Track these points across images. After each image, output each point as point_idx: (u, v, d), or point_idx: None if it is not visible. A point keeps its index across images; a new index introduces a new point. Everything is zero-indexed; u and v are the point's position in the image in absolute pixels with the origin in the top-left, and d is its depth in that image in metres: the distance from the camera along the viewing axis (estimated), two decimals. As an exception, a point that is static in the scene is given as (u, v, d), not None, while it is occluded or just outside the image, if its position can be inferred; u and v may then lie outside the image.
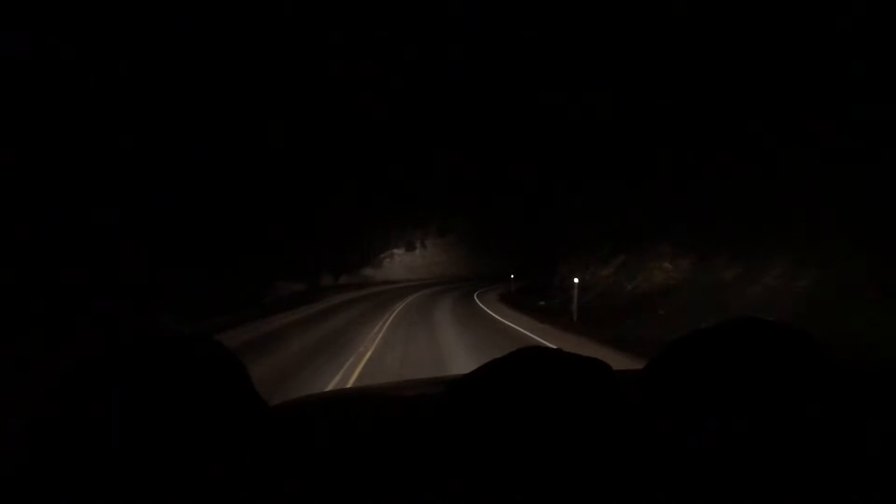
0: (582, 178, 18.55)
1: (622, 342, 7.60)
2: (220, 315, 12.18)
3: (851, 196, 7.45)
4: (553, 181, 24.86)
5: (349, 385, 5.19)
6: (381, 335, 8.65)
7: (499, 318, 11.41)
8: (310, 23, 18.66)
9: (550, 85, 17.69)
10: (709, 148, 10.38)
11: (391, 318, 11.22)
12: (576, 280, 9.24)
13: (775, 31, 8.87)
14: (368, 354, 6.98)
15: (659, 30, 11.12)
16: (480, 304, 14.87)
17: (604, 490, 0.42)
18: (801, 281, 7.79)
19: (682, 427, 0.45)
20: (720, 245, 9.45)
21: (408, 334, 8.67)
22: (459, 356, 6.78)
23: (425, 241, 38.02)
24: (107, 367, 0.47)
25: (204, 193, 17.99)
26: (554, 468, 0.43)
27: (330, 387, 5.16)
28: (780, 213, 8.52)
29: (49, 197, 9.67)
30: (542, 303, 15.66)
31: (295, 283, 27.81)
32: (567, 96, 16.64)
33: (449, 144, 35.67)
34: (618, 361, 4.06)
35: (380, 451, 0.53)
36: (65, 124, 10.09)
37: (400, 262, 36.88)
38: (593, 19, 14.00)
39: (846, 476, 0.41)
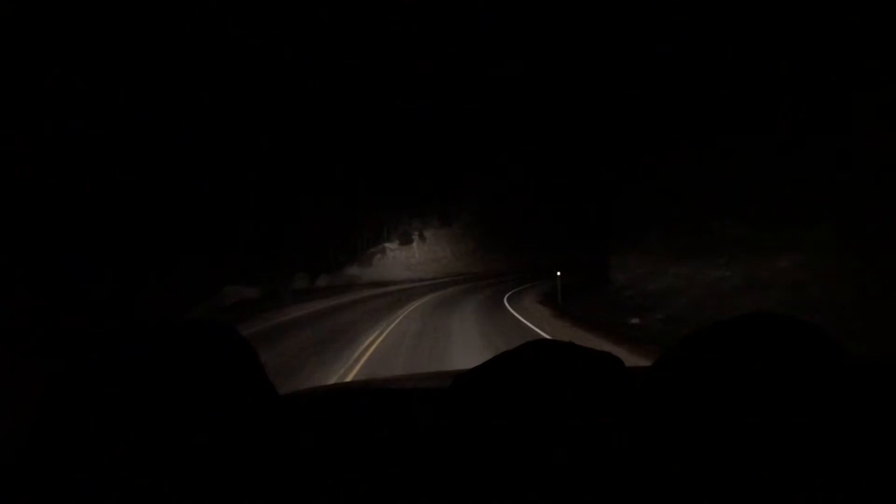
0: (650, 142, 11.95)
1: None
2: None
3: None
4: (596, 150, 18.18)
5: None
6: None
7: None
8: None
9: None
10: None
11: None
12: None
13: None
14: None
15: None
16: (537, 330, 7.89)
17: (611, 487, 0.41)
18: None
19: (693, 423, 0.43)
20: None
21: None
22: None
23: (424, 233, 31.05)
24: (118, 352, 0.46)
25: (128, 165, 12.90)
26: (561, 464, 0.42)
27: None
28: None
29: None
30: (634, 320, 8.80)
31: (251, 288, 21.04)
32: None
33: (454, 114, 28.65)
34: None
35: (387, 444, 0.53)
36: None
37: (394, 259, 29.98)
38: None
39: (861, 474, 0.39)
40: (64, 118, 11.07)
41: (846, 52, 7.04)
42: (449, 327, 8.10)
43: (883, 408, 0.43)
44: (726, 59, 9.17)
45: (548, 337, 6.79)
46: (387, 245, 30.14)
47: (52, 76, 10.06)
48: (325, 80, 23.78)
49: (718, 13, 9.55)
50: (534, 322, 8.67)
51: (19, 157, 10.02)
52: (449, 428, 0.48)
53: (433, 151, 29.02)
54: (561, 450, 0.42)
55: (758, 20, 8.67)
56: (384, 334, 7.64)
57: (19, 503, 0.40)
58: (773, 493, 0.39)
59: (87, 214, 12.59)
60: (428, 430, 0.51)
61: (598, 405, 0.45)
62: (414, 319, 9.20)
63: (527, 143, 28.41)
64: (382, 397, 0.85)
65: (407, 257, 30.32)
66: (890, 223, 5.67)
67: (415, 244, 30.64)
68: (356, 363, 5.56)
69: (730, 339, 0.47)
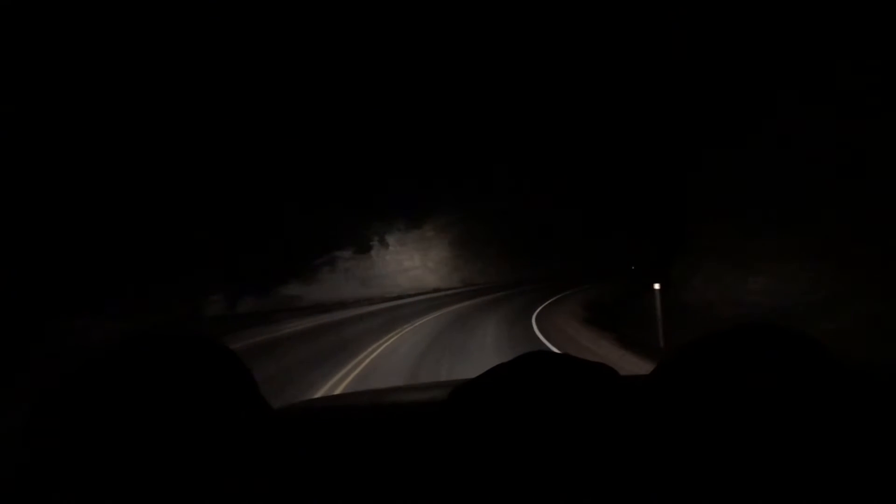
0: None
1: None
2: None
3: None
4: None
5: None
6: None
7: None
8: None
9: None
10: None
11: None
12: None
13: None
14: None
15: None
16: None
17: (608, 495, 0.41)
18: None
19: (689, 432, 0.44)
20: None
21: None
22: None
23: (386, 238, 24.34)
24: (110, 367, 0.45)
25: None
26: (558, 473, 0.42)
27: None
28: None
29: None
30: None
31: (115, 321, 13.52)
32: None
33: (425, 88, 22.27)
34: None
35: (382, 457, 0.52)
36: None
37: (347, 272, 23.09)
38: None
39: (853, 481, 0.40)
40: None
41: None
42: None
43: (874, 415, 0.44)
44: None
45: None
46: (338, 254, 23.22)
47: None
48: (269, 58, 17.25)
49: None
50: None
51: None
52: (446, 439, 0.47)
53: (399, 134, 22.45)
54: (556, 458, 0.43)
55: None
56: None
57: None
58: (769, 499, 0.39)
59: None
60: (425, 441, 0.50)
61: (593, 414, 0.45)
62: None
63: (521, 122, 22.50)
64: (379, 409, 0.85)
65: (364, 269, 23.51)
66: None
67: (374, 252, 23.86)
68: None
69: (724, 350, 0.47)
